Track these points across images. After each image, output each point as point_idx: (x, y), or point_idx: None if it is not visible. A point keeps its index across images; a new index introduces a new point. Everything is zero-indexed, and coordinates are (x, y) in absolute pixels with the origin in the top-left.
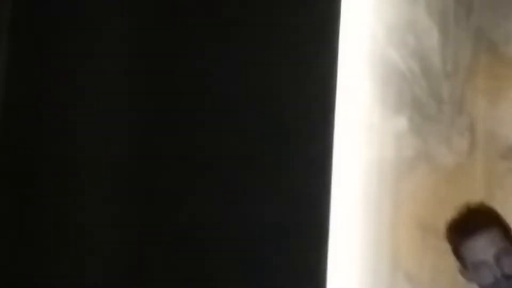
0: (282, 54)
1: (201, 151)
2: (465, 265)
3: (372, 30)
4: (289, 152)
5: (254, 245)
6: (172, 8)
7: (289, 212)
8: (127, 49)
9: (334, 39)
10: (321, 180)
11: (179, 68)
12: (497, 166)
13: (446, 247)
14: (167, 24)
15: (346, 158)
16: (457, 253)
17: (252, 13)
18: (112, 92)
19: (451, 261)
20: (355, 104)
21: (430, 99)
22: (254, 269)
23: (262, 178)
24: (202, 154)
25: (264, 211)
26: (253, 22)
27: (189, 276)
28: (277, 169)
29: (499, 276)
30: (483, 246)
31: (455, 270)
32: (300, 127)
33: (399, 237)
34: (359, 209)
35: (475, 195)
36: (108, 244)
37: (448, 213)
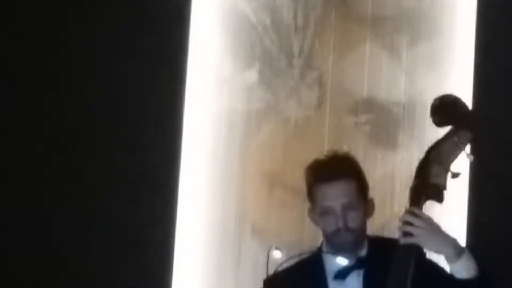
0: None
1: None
2: (314, 208)
3: None
4: (137, 105)
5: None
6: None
7: (137, 167)
8: None
9: None
10: (170, 131)
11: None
12: (344, 120)
13: (292, 200)
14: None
15: (196, 110)
16: (310, 193)
17: None
18: None
19: (297, 214)
20: (206, 57)
21: (280, 53)
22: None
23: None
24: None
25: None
26: None
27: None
28: (128, 126)
29: (341, 226)
30: (334, 193)
31: (301, 223)
32: (149, 80)
33: (246, 190)
34: (208, 162)
35: (323, 148)
36: None
37: (296, 166)
